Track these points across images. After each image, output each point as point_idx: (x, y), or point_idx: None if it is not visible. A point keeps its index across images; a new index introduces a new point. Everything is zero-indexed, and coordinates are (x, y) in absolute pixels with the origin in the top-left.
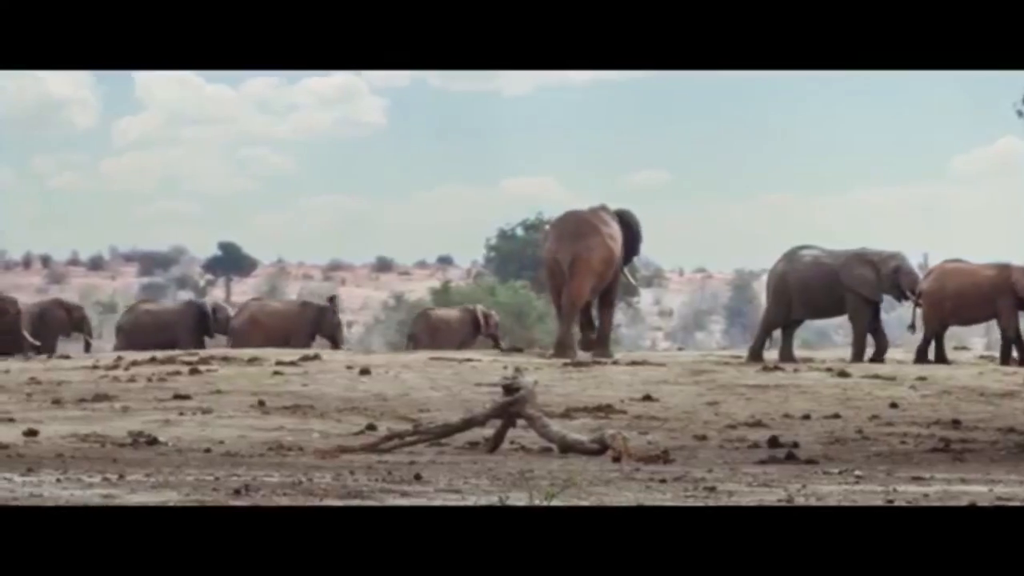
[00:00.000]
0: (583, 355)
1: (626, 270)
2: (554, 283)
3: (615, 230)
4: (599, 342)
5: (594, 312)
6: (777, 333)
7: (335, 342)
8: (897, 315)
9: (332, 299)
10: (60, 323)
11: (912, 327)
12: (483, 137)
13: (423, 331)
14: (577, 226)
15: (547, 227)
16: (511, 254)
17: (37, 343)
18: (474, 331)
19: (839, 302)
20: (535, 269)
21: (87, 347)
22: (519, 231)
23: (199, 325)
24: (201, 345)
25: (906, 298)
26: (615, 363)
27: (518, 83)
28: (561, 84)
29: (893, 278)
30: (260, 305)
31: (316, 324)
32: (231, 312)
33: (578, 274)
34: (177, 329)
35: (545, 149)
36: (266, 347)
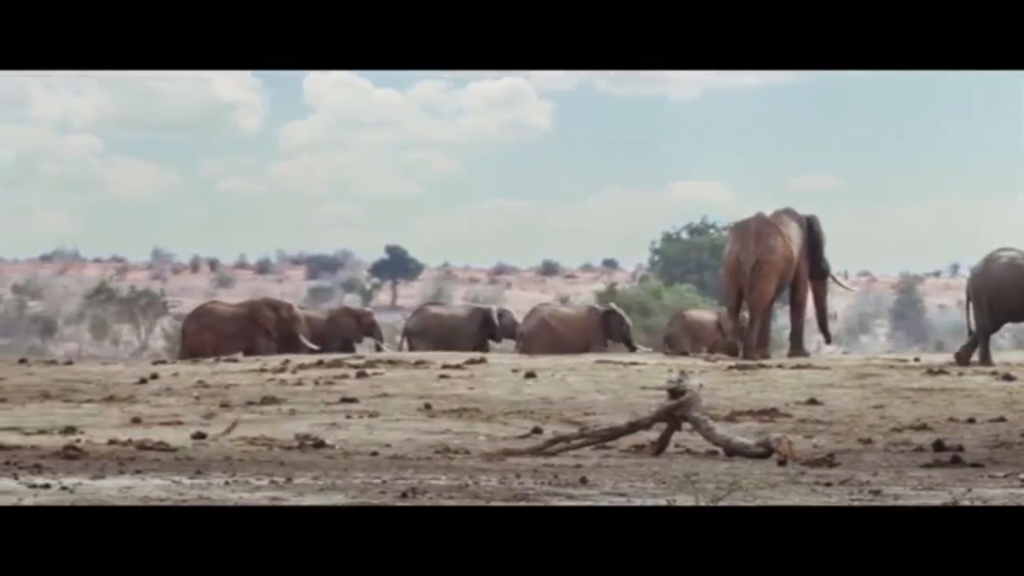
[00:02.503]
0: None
1: (834, 274)
2: (733, 285)
3: (795, 233)
4: (792, 342)
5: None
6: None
7: (628, 345)
8: None
9: (611, 307)
10: (351, 330)
11: None
12: (650, 141)
13: (680, 332)
14: (759, 228)
15: (724, 231)
16: (675, 257)
17: (315, 347)
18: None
19: None
20: (699, 272)
21: (377, 349)
22: (684, 234)
23: (485, 330)
24: (485, 349)
25: None
26: (783, 365)
27: (685, 87)
28: (729, 88)
29: None
30: (550, 310)
31: (605, 328)
32: (515, 317)
33: (763, 276)
34: (464, 333)
35: (712, 153)
36: (556, 353)
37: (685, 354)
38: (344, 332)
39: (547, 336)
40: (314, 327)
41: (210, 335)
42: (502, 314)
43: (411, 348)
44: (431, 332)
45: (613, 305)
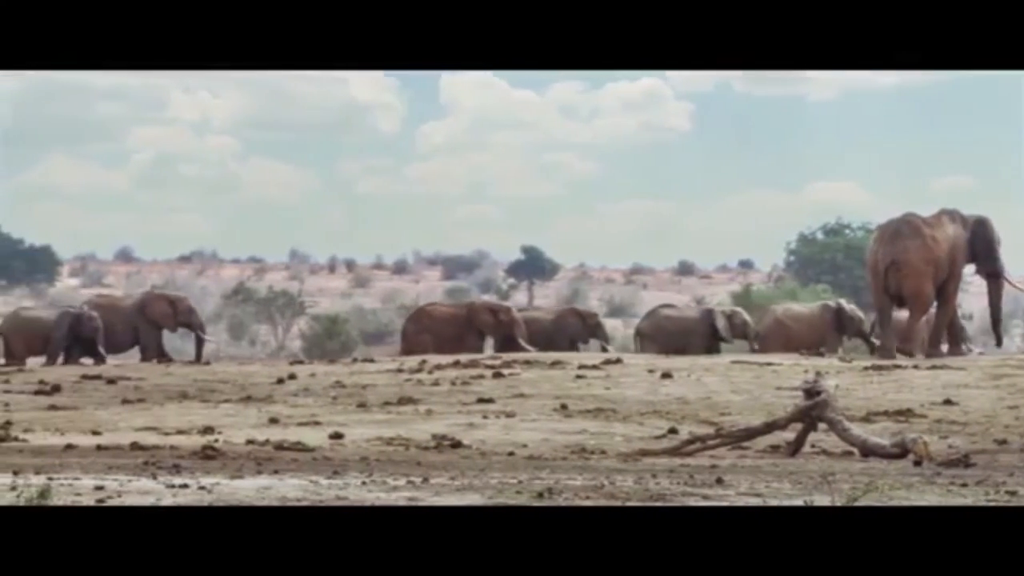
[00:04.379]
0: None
1: (1009, 276)
2: (875, 285)
3: (946, 234)
4: (932, 340)
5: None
6: None
7: (865, 339)
8: None
9: (839, 303)
10: (577, 330)
11: None
12: (787, 142)
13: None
14: (897, 229)
15: (859, 232)
16: (811, 258)
17: (532, 349)
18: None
19: None
20: (834, 273)
21: (603, 350)
22: (819, 235)
23: (715, 331)
24: (716, 351)
25: None
26: (919, 366)
27: (823, 88)
28: (866, 88)
29: None
30: (784, 309)
31: (839, 325)
32: (746, 317)
33: (907, 276)
34: (696, 335)
35: (849, 154)
36: (791, 351)
37: (821, 354)
38: (570, 333)
39: (783, 335)
40: (540, 327)
41: (428, 337)
42: (732, 315)
43: (642, 350)
44: (663, 334)
45: (842, 301)
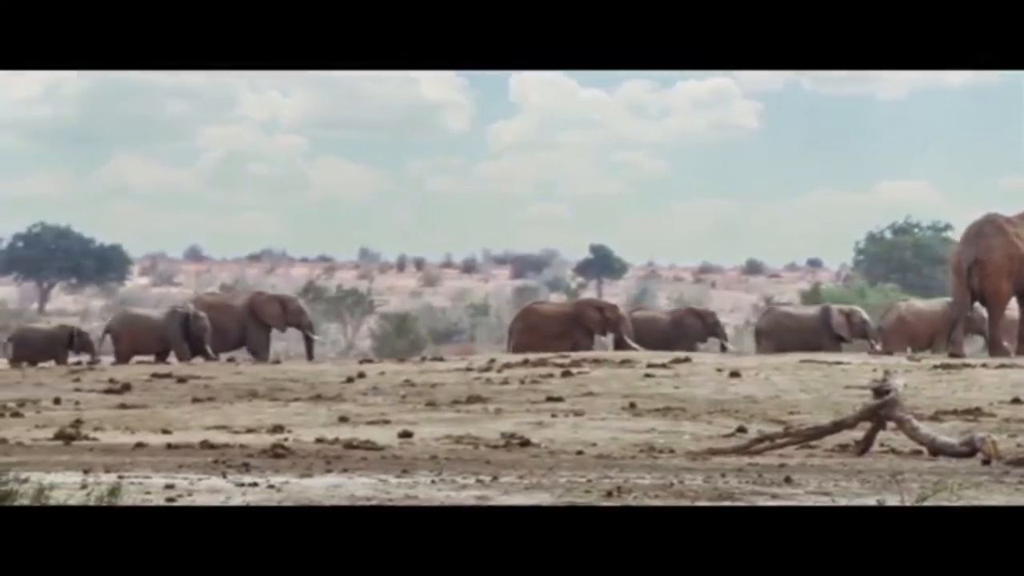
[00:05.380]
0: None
1: None
2: (957, 284)
3: None
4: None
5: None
6: None
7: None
8: None
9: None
10: (696, 329)
11: None
12: (856, 141)
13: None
14: (980, 228)
15: (928, 231)
16: (879, 257)
17: (637, 347)
18: None
19: None
20: (902, 271)
21: (723, 349)
22: (887, 234)
23: (831, 329)
24: (837, 349)
25: None
26: (987, 365)
27: (893, 87)
28: (935, 87)
29: None
30: (907, 305)
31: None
32: (865, 316)
33: (988, 274)
34: (814, 333)
35: (919, 153)
36: (911, 347)
37: (890, 353)
38: (689, 332)
39: (905, 332)
40: (657, 327)
41: (535, 335)
42: (851, 314)
43: (760, 348)
44: (782, 331)
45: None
